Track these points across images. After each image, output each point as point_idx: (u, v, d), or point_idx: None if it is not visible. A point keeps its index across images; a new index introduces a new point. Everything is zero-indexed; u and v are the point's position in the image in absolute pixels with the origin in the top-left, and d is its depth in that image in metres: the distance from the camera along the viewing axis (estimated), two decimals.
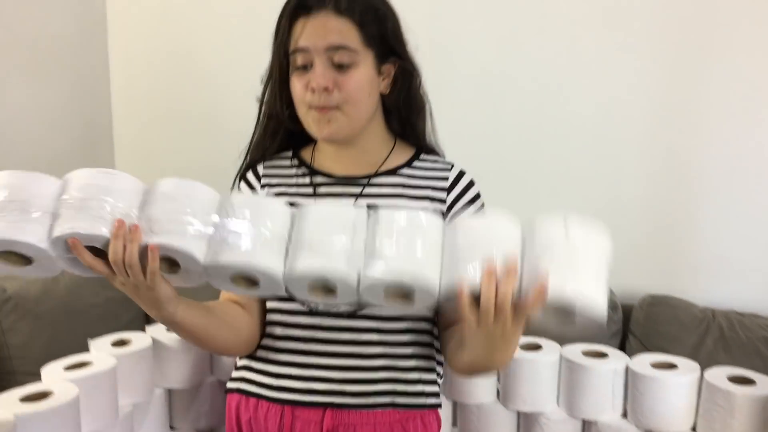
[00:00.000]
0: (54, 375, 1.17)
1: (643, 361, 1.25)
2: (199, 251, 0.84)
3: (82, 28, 2.38)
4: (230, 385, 1.13)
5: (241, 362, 1.12)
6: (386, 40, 1.05)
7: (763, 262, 1.94)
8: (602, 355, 1.29)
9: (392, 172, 1.10)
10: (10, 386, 1.12)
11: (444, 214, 1.07)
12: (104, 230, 0.83)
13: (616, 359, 1.26)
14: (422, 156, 1.13)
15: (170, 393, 1.38)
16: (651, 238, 2.03)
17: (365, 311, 1.04)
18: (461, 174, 1.11)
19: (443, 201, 1.08)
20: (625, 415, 1.26)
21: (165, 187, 0.88)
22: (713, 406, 1.17)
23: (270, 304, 1.09)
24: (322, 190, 1.09)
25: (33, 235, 0.82)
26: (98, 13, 2.44)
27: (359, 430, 1.03)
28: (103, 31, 2.46)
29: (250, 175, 1.15)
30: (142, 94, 2.49)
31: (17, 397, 1.08)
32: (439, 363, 1.12)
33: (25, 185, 0.84)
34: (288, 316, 1.07)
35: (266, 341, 1.09)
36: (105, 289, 2.17)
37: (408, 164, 1.12)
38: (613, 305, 1.92)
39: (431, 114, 1.15)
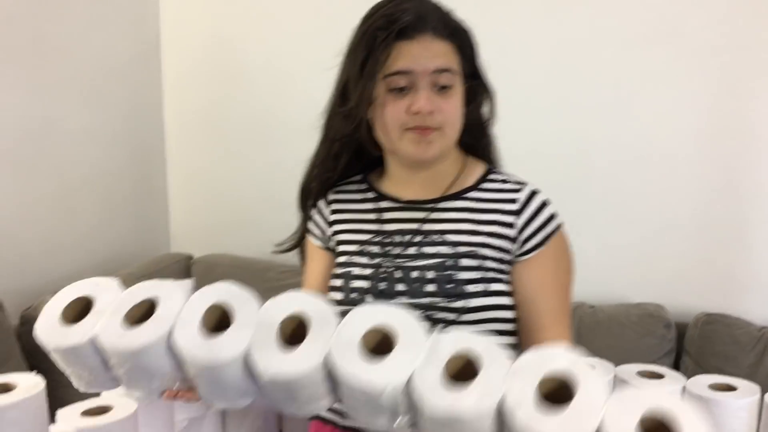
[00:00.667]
0: (113, 391, 1.19)
1: (700, 383, 1.23)
2: None
3: (137, 53, 2.46)
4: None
5: None
6: (472, 61, 1.07)
7: None
8: (658, 376, 1.26)
9: (459, 195, 1.09)
10: (72, 401, 1.15)
11: (514, 240, 1.05)
12: None
13: (673, 381, 1.24)
14: (492, 176, 1.12)
15: (224, 409, 1.40)
16: (705, 256, 1.99)
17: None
18: (532, 194, 1.08)
19: (511, 225, 1.06)
20: None
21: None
22: None
23: None
24: (386, 215, 1.11)
25: None
26: (153, 39, 2.52)
27: None
28: (157, 57, 2.54)
29: (321, 204, 1.17)
30: (193, 114, 2.55)
31: (78, 411, 1.11)
32: None
33: None
34: None
35: None
36: None
37: (476, 186, 1.10)
38: (666, 323, 1.89)
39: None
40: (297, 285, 2.21)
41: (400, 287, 1.05)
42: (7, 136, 1.96)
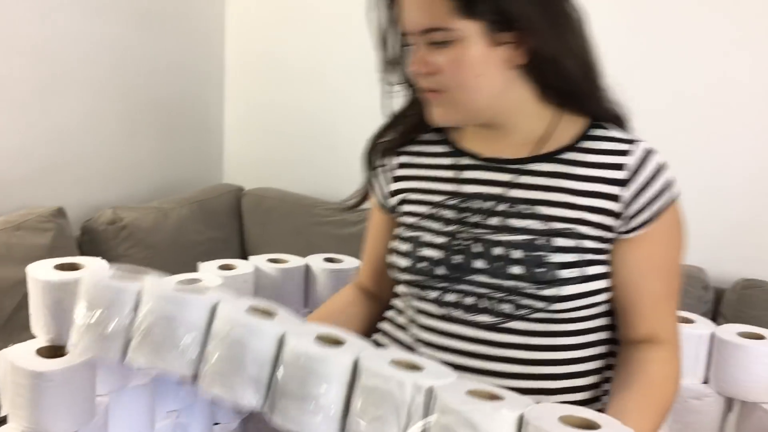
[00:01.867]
0: None
1: (730, 330, 1.25)
2: None
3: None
4: None
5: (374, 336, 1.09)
6: (495, 3, 0.85)
7: None
8: (689, 321, 1.29)
9: (552, 156, 0.93)
10: None
11: (619, 215, 0.90)
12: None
13: (704, 325, 1.27)
14: (594, 131, 0.93)
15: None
16: (748, 223, 1.98)
17: (508, 325, 0.92)
18: (645, 157, 0.90)
19: (617, 198, 0.90)
20: (706, 381, 1.26)
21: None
22: None
23: (402, 292, 1.03)
24: (465, 174, 0.97)
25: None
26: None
27: None
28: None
29: (389, 160, 1.05)
30: (254, 50, 2.61)
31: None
32: (608, 371, 0.99)
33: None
34: (421, 316, 0.98)
35: (397, 333, 1.04)
36: (208, 228, 2.32)
37: (574, 145, 0.93)
38: (705, 285, 1.90)
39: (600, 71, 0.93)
40: (344, 222, 2.31)
41: (479, 264, 0.92)
42: (73, 57, 2.05)
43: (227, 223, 2.42)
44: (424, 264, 0.95)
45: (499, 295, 0.91)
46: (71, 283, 0.98)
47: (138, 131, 2.33)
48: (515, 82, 0.91)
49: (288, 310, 0.88)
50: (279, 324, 0.82)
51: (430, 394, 0.73)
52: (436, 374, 0.76)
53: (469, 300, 0.93)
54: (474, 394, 0.73)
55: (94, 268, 1.02)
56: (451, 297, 0.95)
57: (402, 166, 1.04)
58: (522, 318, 0.91)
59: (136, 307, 0.86)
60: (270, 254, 1.50)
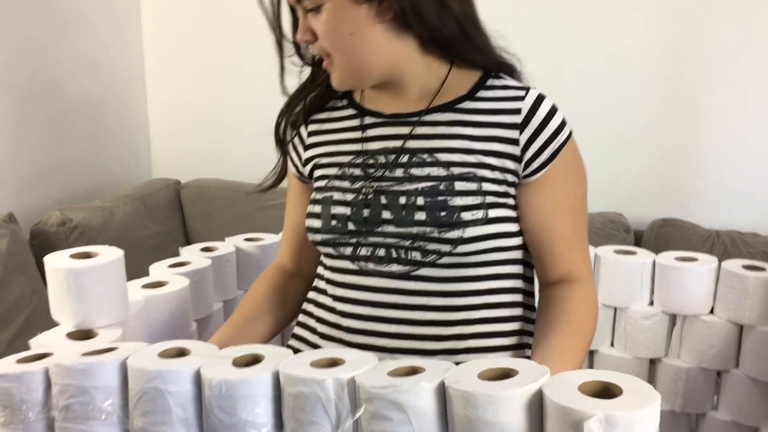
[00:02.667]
0: (161, 271, 1.33)
1: (668, 256, 1.44)
2: None
3: None
4: (290, 342, 1.10)
5: (298, 317, 1.11)
6: None
7: (760, 188, 2.15)
8: (632, 252, 1.47)
9: (450, 106, 0.96)
10: None
11: (519, 159, 0.92)
12: None
13: (646, 255, 1.45)
14: (491, 81, 0.97)
15: None
16: (660, 169, 2.22)
17: (421, 272, 0.94)
18: (539, 100, 0.94)
19: (515, 142, 0.92)
20: (652, 303, 1.45)
21: None
22: (729, 289, 1.36)
23: (322, 258, 1.05)
24: (370, 132, 1.00)
25: None
26: None
27: None
28: None
29: (301, 130, 1.07)
30: (172, 41, 2.61)
31: (139, 285, 1.24)
32: (528, 320, 1.01)
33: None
34: (337, 274, 1.01)
35: (318, 297, 1.06)
36: (153, 223, 2.34)
37: (471, 94, 0.96)
38: (626, 228, 2.12)
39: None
40: (285, 204, 2.37)
41: (386, 215, 0.94)
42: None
43: (170, 217, 2.44)
44: (335, 222, 0.97)
45: (407, 243, 0.93)
46: (94, 269, 1.03)
47: (65, 133, 2.31)
48: (394, 38, 0.92)
49: (201, 343, 0.88)
50: (193, 361, 0.80)
51: (353, 385, 0.72)
52: (356, 364, 0.76)
53: (380, 252, 0.95)
54: (395, 373, 0.73)
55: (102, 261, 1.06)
56: (363, 251, 0.97)
57: (312, 134, 1.06)
58: (431, 264, 0.93)
59: (48, 387, 0.85)
60: (246, 234, 1.57)
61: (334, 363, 0.77)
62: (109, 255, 1.08)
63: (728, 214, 2.18)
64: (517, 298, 0.99)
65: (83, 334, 1.03)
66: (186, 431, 0.79)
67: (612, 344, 1.50)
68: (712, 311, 1.40)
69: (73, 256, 1.07)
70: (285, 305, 1.12)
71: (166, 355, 0.83)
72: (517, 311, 0.99)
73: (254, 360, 0.81)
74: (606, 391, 0.66)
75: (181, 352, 0.84)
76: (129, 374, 0.81)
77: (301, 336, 1.07)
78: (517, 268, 0.99)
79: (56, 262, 1.04)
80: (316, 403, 0.73)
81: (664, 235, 2.09)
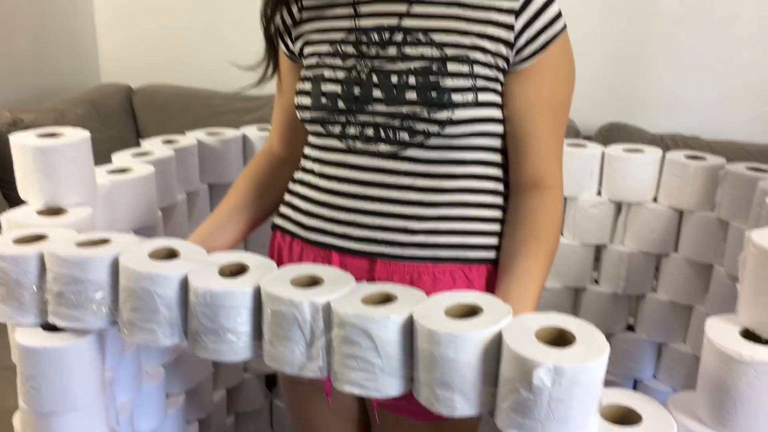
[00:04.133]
0: (124, 159, 1.34)
1: (617, 148, 1.52)
2: None
3: None
4: (274, 220, 1.10)
5: (285, 197, 1.10)
6: None
7: (704, 95, 2.24)
8: (582, 145, 1.54)
9: None
10: None
11: (512, 45, 0.91)
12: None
13: (595, 147, 1.52)
14: None
15: (211, 188, 1.57)
16: (609, 75, 2.29)
17: (408, 153, 0.94)
18: None
19: (510, 27, 0.91)
20: (599, 193, 1.52)
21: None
22: (672, 178, 1.44)
23: (309, 138, 1.05)
24: (363, 9, 0.98)
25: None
26: None
27: (417, 282, 0.96)
28: None
29: (292, 6, 1.04)
30: None
31: (104, 170, 1.25)
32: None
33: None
34: (325, 153, 1.01)
35: (305, 176, 1.05)
36: (106, 128, 2.31)
37: None
38: (576, 132, 2.19)
39: None
40: (244, 109, 2.37)
41: (377, 94, 0.94)
42: None
43: (123, 122, 2.41)
44: (325, 100, 0.97)
45: (396, 122, 0.93)
46: (62, 147, 1.04)
47: (8, 35, 2.23)
48: None
49: (191, 245, 0.91)
50: (181, 266, 0.84)
51: (327, 309, 0.77)
52: (334, 285, 0.80)
53: (369, 131, 0.96)
54: (368, 300, 0.77)
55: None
56: (352, 130, 0.97)
57: (303, 9, 1.04)
58: (419, 145, 0.94)
59: (42, 271, 0.88)
60: (206, 128, 1.58)
61: (314, 281, 0.82)
62: (76, 134, 1.08)
63: (673, 120, 2.27)
64: (499, 187, 0.99)
65: (53, 211, 1.04)
66: (171, 330, 0.84)
67: (561, 233, 1.58)
68: (655, 199, 1.49)
69: (40, 136, 1.07)
70: (274, 192, 1.12)
71: (156, 255, 0.86)
72: (499, 200, 1.00)
73: (240, 269, 0.85)
74: (561, 338, 0.70)
75: (171, 254, 0.88)
76: (120, 272, 0.85)
77: (287, 215, 1.07)
78: (500, 158, 0.99)
79: (24, 140, 1.04)
80: (293, 322, 0.77)
81: (611, 139, 2.17)
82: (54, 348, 0.88)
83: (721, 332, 0.75)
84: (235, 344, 0.81)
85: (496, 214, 1.00)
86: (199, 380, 1.44)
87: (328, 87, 0.97)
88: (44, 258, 0.88)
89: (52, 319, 0.88)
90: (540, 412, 0.67)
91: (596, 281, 1.60)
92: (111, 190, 1.18)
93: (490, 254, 0.98)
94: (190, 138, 1.50)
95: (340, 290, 0.79)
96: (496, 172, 0.99)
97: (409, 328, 0.75)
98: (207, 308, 0.80)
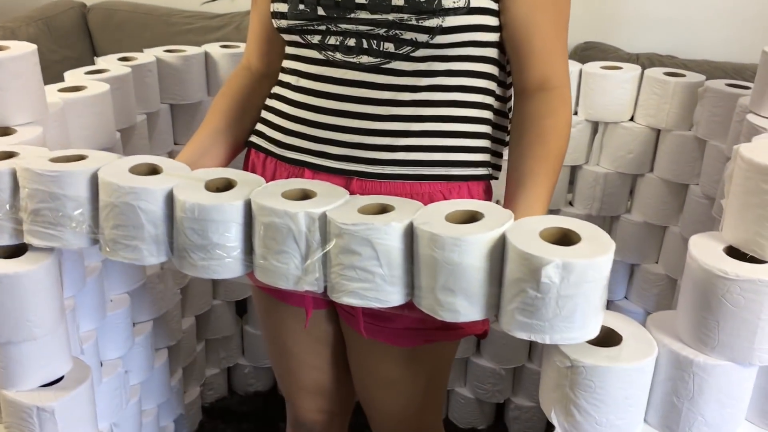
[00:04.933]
0: (77, 77, 1.26)
1: (594, 65, 1.47)
2: None
3: None
4: (250, 137, 1.04)
5: (261, 114, 1.04)
6: None
7: (678, 13, 2.19)
8: None
9: None
10: None
11: None
12: None
13: (572, 64, 1.47)
14: None
15: (173, 109, 1.50)
16: None
17: (392, 65, 0.89)
18: None
19: None
20: (576, 113, 1.49)
21: None
22: (650, 96, 1.40)
23: (286, 49, 0.99)
24: None
25: None
26: None
27: None
28: None
29: None
30: None
31: (55, 89, 1.17)
32: (500, 127, 0.98)
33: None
34: (303, 65, 0.95)
35: (281, 90, 0.99)
36: (61, 48, 2.19)
37: None
38: None
39: None
40: (206, 28, 2.26)
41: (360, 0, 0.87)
42: None
43: (77, 41, 2.29)
44: (303, 6, 0.90)
45: (381, 31, 0.87)
46: (6, 60, 0.97)
47: None
48: None
49: (172, 161, 0.85)
50: (165, 180, 0.79)
51: (324, 220, 0.74)
52: (327, 197, 0.77)
53: (351, 41, 0.89)
54: (364, 210, 0.75)
55: None
56: (332, 40, 0.90)
57: None
58: (405, 57, 0.88)
59: (15, 189, 0.82)
60: (165, 46, 1.49)
61: (305, 195, 0.78)
62: (22, 48, 1.00)
63: (649, 39, 2.22)
64: (489, 100, 0.95)
65: (0, 131, 0.97)
66: (156, 247, 0.79)
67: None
68: (632, 119, 1.46)
69: None
70: (256, 110, 1.05)
71: (136, 171, 0.81)
72: (488, 114, 0.95)
73: (227, 185, 0.80)
74: (565, 238, 0.69)
75: (153, 170, 0.83)
76: (100, 187, 0.79)
77: (261, 132, 1.02)
78: (491, 69, 0.93)
79: None
80: (287, 234, 0.74)
81: (586, 58, 2.09)
82: (8, 275, 0.83)
83: (704, 250, 0.73)
84: (225, 260, 0.78)
85: (485, 128, 0.95)
86: (167, 307, 1.40)
87: None
88: (17, 174, 0.81)
89: (28, 239, 0.83)
90: (547, 311, 0.66)
91: (570, 203, 1.58)
92: (63, 109, 1.11)
93: (474, 171, 0.94)
94: (148, 55, 1.42)
95: (335, 202, 0.76)
96: (487, 84, 0.94)
97: (410, 235, 0.72)
98: (195, 223, 0.76)
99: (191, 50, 1.47)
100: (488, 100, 0.95)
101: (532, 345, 1.67)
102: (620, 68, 1.45)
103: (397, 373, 1.03)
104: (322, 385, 1.15)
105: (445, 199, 0.92)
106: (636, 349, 0.71)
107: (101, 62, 1.37)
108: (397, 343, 0.99)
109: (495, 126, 0.98)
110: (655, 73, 1.41)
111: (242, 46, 1.51)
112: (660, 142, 1.44)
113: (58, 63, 2.12)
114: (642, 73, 1.43)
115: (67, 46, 2.22)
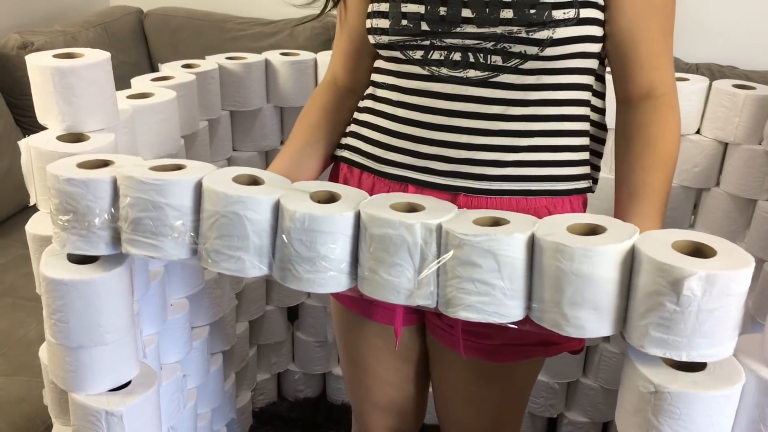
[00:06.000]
0: (143, 84, 1.27)
1: None
2: None
3: None
4: (337, 152, 1.03)
5: (349, 128, 1.02)
6: None
7: (736, 21, 2.14)
8: None
9: None
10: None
11: None
12: None
13: None
14: None
15: (233, 116, 1.51)
16: None
17: (500, 78, 0.87)
18: None
19: None
20: None
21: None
22: (719, 108, 1.37)
23: (381, 64, 0.97)
24: None
25: None
26: None
27: None
28: None
29: None
30: None
31: (124, 95, 1.19)
32: (598, 139, 0.97)
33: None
34: (402, 80, 0.93)
35: (377, 105, 0.97)
36: (118, 52, 2.22)
37: None
38: None
39: None
40: (260, 35, 2.28)
41: (467, 13, 0.85)
42: None
43: (134, 47, 2.32)
44: (406, 21, 0.89)
45: (488, 45, 0.86)
46: (81, 68, 0.98)
47: None
48: None
49: (272, 174, 0.84)
50: (271, 190, 0.78)
51: (439, 231, 0.72)
52: (438, 211, 0.75)
53: (456, 55, 0.88)
54: (479, 222, 0.73)
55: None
56: (437, 55, 0.89)
57: None
58: (513, 70, 0.87)
59: (115, 197, 0.81)
60: (225, 53, 1.50)
61: (412, 208, 0.76)
62: (96, 56, 1.02)
63: (708, 50, 2.17)
64: (588, 112, 0.93)
65: (74, 137, 0.99)
66: (259, 258, 0.78)
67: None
68: (698, 131, 1.42)
69: (57, 56, 1.00)
70: (343, 125, 1.04)
71: (239, 181, 0.80)
72: (588, 127, 0.93)
73: (329, 198, 0.79)
74: (698, 252, 0.66)
75: (254, 181, 0.82)
76: (205, 196, 0.78)
77: (355, 147, 0.99)
78: (591, 81, 0.92)
79: (41, 61, 0.98)
80: (401, 246, 0.72)
81: None
82: (82, 281, 0.83)
83: None
84: (329, 273, 0.76)
85: (586, 142, 0.94)
86: (223, 312, 1.41)
87: (409, 7, 0.88)
88: (117, 183, 0.80)
89: (126, 248, 0.81)
90: (686, 326, 0.63)
91: None
92: (133, 115, 1.12)
93: (577, 185, 0.93)
94: (210, 62, 1.43)
95: (447, 214, 0.74)
96: (589, 96, 0.93)
97: (532, 247, 0.70)
98: (304, 234, 0.74)
99: (252, 57, 1.48)
100: (588, 112, 0.94)
101: (587, 359, 1.64)
102: (687, 80, 1.41)
103: (487, 390, 1.01)
104: (396, 402, 1.12)
105: (551, 214, 0.90)
106: (723, 374, 0.68)
107: (165, 69, 1.38)
108: (494, 359, 0.97)
109: (593, 138, 0.96)
110: (724, 85, 1.37)
111: (302, 54, 1.52)
112: (727, 156, 1.40)
113: (116, 68, 2.14)
114: (710, 84, 1.39)
115: (124, 50, 2.26)
